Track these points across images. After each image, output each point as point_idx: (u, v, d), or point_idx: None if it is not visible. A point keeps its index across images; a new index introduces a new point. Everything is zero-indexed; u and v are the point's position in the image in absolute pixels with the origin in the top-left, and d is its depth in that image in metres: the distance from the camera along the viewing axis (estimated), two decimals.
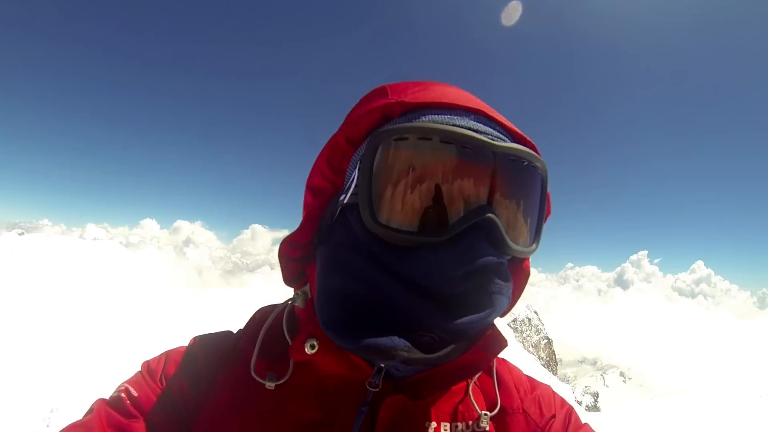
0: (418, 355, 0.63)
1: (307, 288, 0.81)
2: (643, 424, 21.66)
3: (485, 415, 0.79)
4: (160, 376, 0.83)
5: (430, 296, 0.63)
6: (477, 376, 0.83)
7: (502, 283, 0.68)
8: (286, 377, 0.77)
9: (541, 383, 0.93)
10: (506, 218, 0.68)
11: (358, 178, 0.68)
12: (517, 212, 0.69)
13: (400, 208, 0.64)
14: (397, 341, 0.62)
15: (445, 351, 0.65)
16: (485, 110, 0.70)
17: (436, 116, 0.67)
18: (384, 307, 0.64)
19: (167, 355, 0.87)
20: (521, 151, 0.68)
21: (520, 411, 0.85)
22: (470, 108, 0.69)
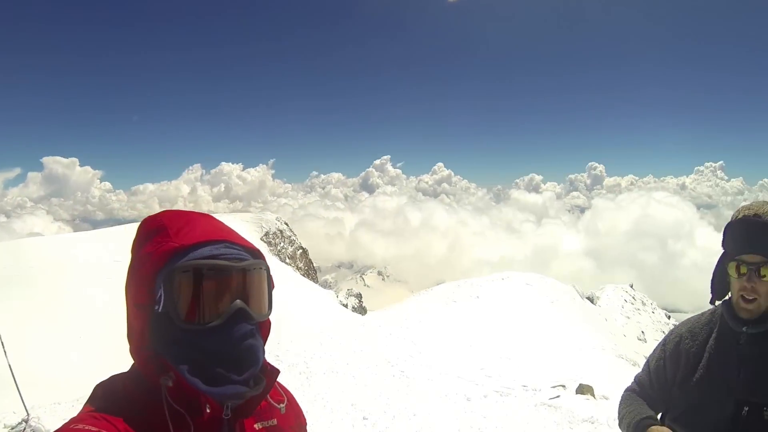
0: (252, 392, 1.16)
1: (170, 374, 1.16)
2: (409, 314, 17.50)
3: (282, 405, 1.33)
4: None
5: (229, 356, 1.13)
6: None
7: (259, 337, 1.21)
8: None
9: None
10: (252, 301, 1.18)
11: (164, 298, 1.13)
12: (258, 296, 1.21)
13: (193, 312, 1.12)
14: (240, 388, 1.13)
15: (261, 385, 1.19)
16: (231, 238, 1.22)
17: (204, 249, 1.17)
18: (217, 367, 1.12)
19: None
20: (252, 263, 1.19)
21: (293, 401, 1.45)
22: (221, 239, 1.20)
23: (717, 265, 2.07)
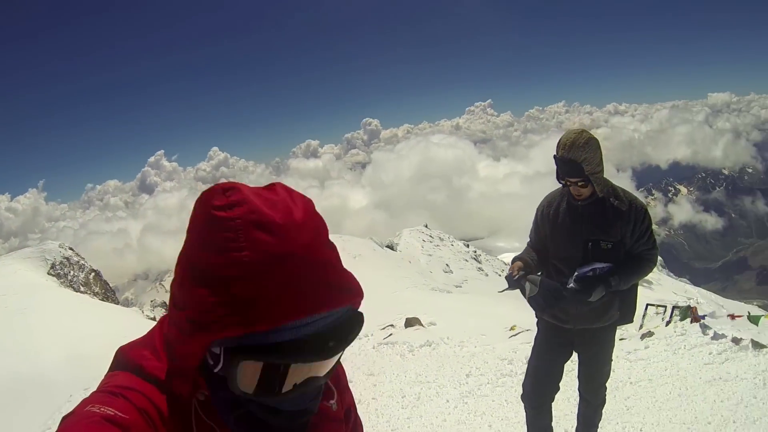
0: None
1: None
2: None
3: (332, 402, 1.23)
4: None
5: (295, 416, 0.98)
6: None
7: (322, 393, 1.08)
8: None
9: None
10: (331, 369, 0.98)
11: (222, 365, 0.91)
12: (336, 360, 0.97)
13: (258, 386, 0.90)
14: None
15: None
16: (332, 307, 0.89)
17: (290, 329, 0.86)
18: (275, 421, 0.97)
19: None
20: (350, 341, 0.93)
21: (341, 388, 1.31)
22: (319, 311, 0.88)
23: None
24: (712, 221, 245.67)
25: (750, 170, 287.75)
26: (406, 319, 11.60)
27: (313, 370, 0.93)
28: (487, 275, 41.66)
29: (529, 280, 3.34)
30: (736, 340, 7.49)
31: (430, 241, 44.29)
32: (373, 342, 10.10)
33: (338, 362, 1.02)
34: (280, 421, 0.99)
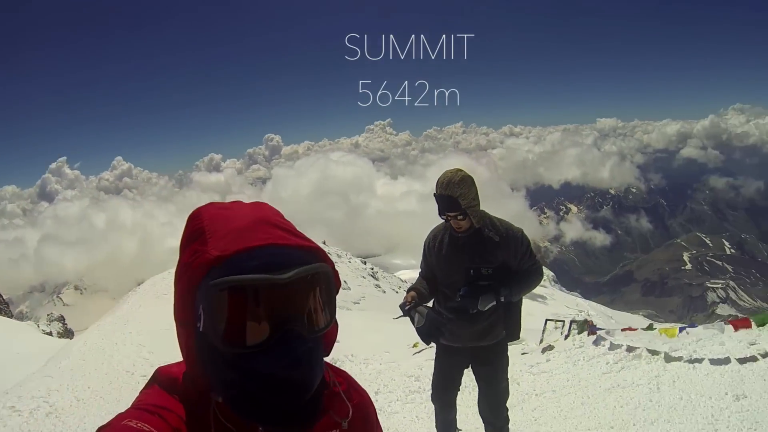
0: (302, 420, 1.02)
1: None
2: (127, 320, 17.67)
3: (345, 420, 1.23)
4: None
5: (277, 382, 0.99)
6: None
7: (316, 355, 1.05)
8: None
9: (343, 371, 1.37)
10: (307, 314, 1.03)
11: (203, 317, 1.01)
12: (313, 307, 1.05)
13: (235, 333, 0.98)
14: (289, 415, 1.01)
15: (316, 410, 1.05)
16: (279, 240, 1.05)
17: (245, 260, 0.99)
18: (264, 393, 1.00)
19: None
20: (300, 271, 1.00)
21: (361, 403, 1.32)
22: (266, 243, 1.03)
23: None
24: (600, 238, 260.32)
25: (634, 190, 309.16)
26: None
27: (278, 304, 1.01)
28: (384, 292, 42.31)
29: (417, 311, 3.69)
30: (630, 349, 8.09)
31: None
32: None
33: (317, 312, 1.07)
34: (272, 393, 1.00)
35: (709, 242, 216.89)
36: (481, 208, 3.71)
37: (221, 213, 1.13)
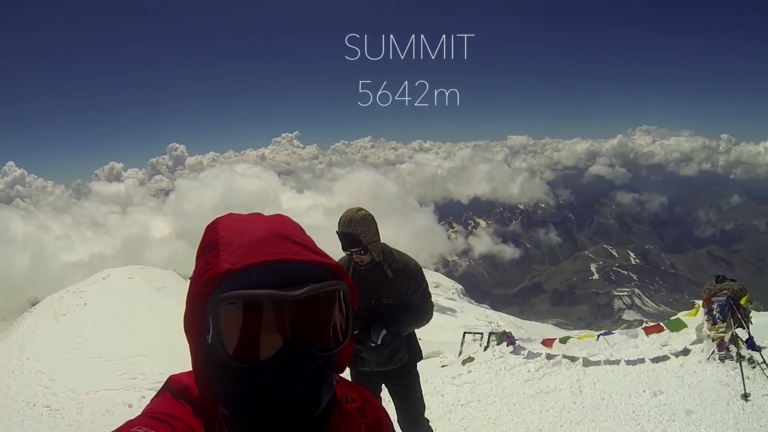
0: None
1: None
2: (24, 345, 15.93)
3: None
4: None
5: (282, 399, 1.01)
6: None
7: (327, 373, 1.07)
8: None
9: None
10: (313, 334, 1.04)
11: (211, 329, 1.03)
12: (327, 325, 1.06)
13: (242, 348, 1.00)
14: None
15: (322, 429, 1.07)
16: (292, 256, 1.06)
17: (256, 274, 1.02)
18: (269, 409, 1.02)
19: None
20: (311, 288, 1.01)
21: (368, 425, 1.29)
22: (279, 258, 1.04)
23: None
24: (509, 251, 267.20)
25: (543, 205, 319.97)
26: None
27: (287, 321, 1.02)
28: None
29: None
30: (549, 357, 8.48)
31: None
32: None
33: (330, 330, 1.08)
34: (277, 410, 1.02)
35: (615, 253, 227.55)
36: (381, 242, 4.10)
37: (237, 225, 1.15)
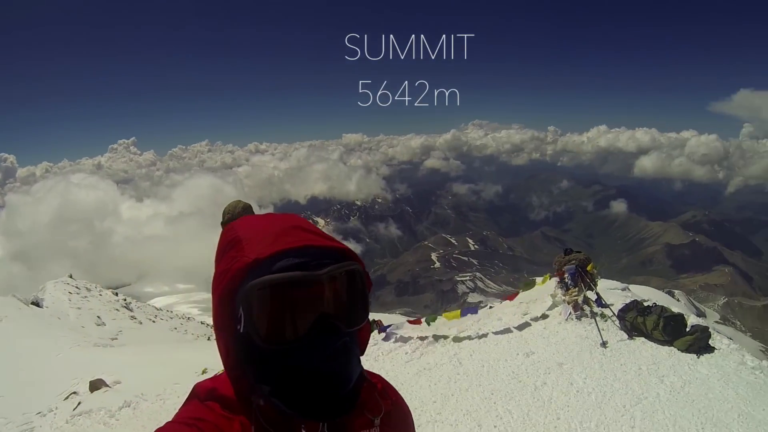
0: (340, 414, 1.11)
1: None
2: None
3: (377, 418, 1.31)
4: None
5: (316, 375, 1.09)
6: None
7: (353, 349, 1.17)
8: None
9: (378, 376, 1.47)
10: (340, 311, 1.14)
11: (243, 318, 1.11)
12: (348, 304, 1.16)
13: (275, 330, 1.09)
14: (327, 409, 1.10)
15: (354, 401, 1.14)
16: (311, 241, 1.16)
17: (281, 260, 1.11)
18: (303, 387, 1.10)
19: None
20: (334, 268, 1.12)
21: (390, 406, 1.39)
22: (299, 245, 1.14)
23: None
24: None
25: (380, 200, 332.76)
26: (90, 382, 11.06)
27: (315, 300, 1.12)
28: (141, 323, 40.56)
29: None
30: (422, 338, 9.21)
31: (78, 293, 41.47)
32: (62, 416, 9.46)
33: (352, 309, 1.18)
34: (312, 386, 1.10)
35: (454, 241, 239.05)
36: None
37: (255, 222, 1.27)
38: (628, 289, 12.37)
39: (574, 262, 10.36)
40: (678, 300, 32.14)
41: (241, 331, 1.14)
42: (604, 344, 7.98)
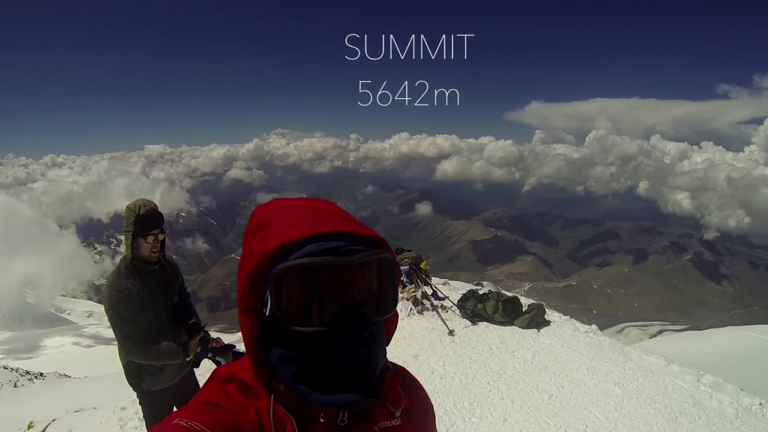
0: (364, 402, 1.10)
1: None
2: None
3: (398, 410, 1.32)
4: None
5: (342, 363, 1.09)
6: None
7: (380, 339, 1.17)
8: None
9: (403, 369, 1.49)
10: (370, 299, 1.12)
11: (270, 301, 1.10)
12: (377, 292, 1.14)
13: (302, 315, 1.08)
14: (351, 398, 1.09)
15: (377, 391, 1.14)
16: (344, 227, 1.13)
17: (311, 244, 1.10)
18: (328, 375, 1.09)
19: None
20: (365, 254, 1.10)
21: (413, 399, 1.41)
22: (331, 230, 1.12)
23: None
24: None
25: (184, 214, 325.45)
26: None
27: (345, 286, 1.11)
28: None
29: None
30: None
31: None
32: None
33: (381, 297, 1.17)
34: (336, 373, 1.10)
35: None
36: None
37: (286, 204, 1.25)
38: (449, 284, 13.85)
39: (407, 260, 11.30)
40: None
41: (267, 314, 1.13)
42: (451, 332, 8.89)
